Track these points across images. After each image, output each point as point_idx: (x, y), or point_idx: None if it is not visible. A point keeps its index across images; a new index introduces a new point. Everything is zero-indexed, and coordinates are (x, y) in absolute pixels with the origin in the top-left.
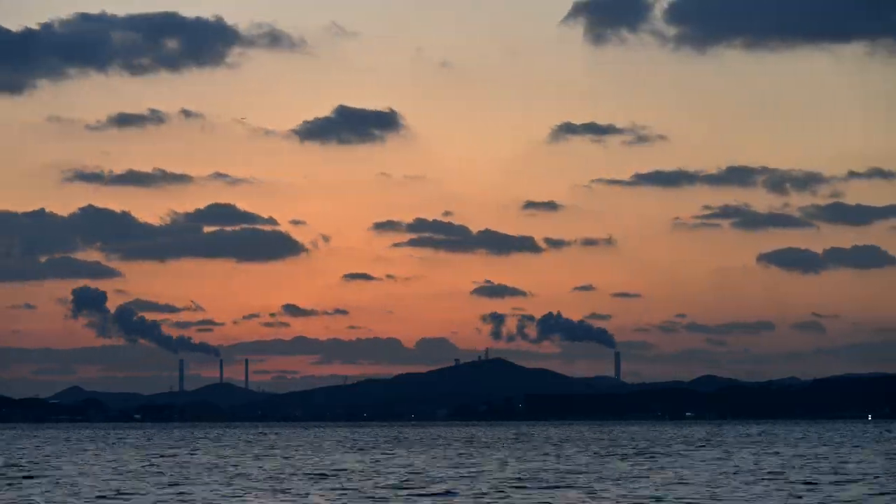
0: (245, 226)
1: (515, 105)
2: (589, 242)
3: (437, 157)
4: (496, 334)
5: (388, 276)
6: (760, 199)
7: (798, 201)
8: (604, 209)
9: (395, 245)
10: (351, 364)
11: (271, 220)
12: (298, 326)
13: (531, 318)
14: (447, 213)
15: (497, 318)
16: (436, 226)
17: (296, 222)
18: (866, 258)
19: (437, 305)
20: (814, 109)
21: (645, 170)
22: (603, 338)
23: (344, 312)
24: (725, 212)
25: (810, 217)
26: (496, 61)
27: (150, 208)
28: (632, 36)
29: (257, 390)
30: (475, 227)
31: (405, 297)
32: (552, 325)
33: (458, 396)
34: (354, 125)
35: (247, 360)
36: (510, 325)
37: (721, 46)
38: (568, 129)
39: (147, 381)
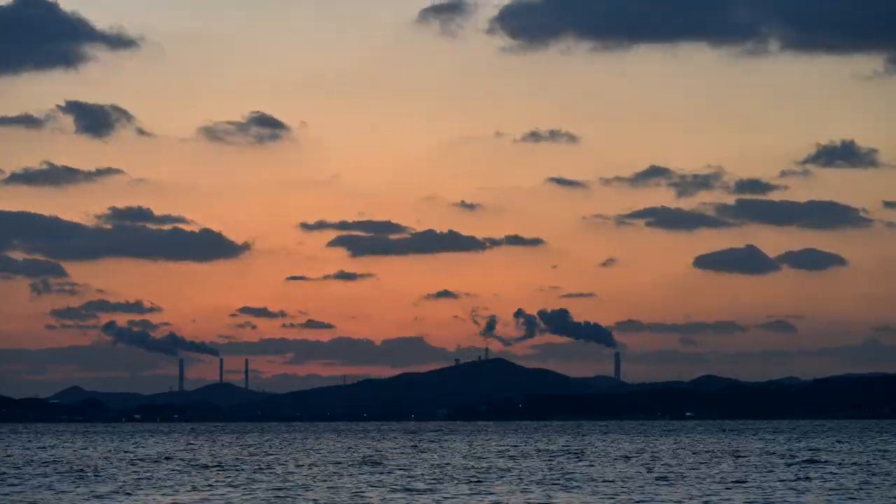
0: (175, 226)
1: (401, 107)
2: (517, 242)
3: (335, 160)
4: (488, 331)
5: (333, 276)
6: (674, 200)
7: (710, 199)
8: (518, 209)
9: (329, 245)
10: (324, 363)
11: (195, 221)
12: (262, 327)
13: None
14: (362, 214)
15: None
16: (365, 225)
17: (225, 223)
18: (810, 259)
19: (395, 305)
20: (693, 109)
21: (550, 170)
22: (603, 337)
23: (304, 313)
24: (646, 212)
25: (735, 217)
26: (367, 65)
27: (61, 208)
28: (484, 36)
29: (257, 390)
30: (403, 226)
31: (357, 297)
32: (551, 322)
33: (458, 396)
34: (245, 129)
35: (246, 361)
36: (500, 325)
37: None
38: (462, 131)
39: (147, 381)
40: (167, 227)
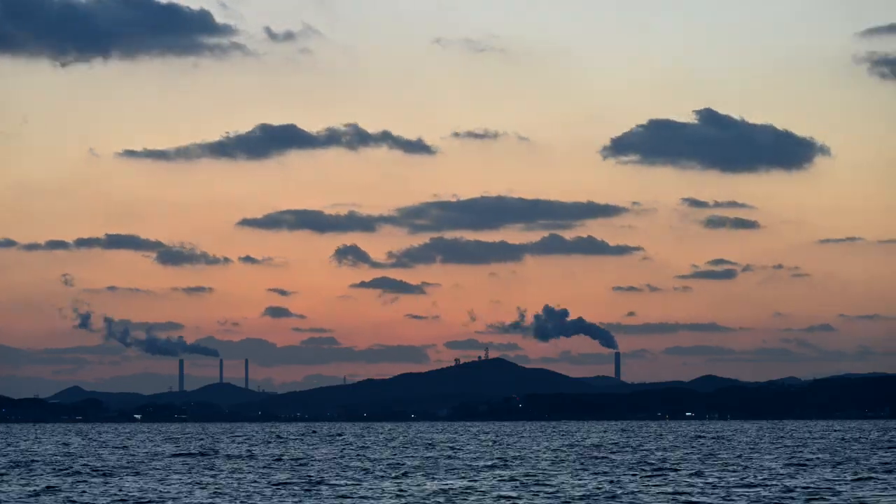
0: None
1: None
2: None
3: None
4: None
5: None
6: None
7: None
8: None
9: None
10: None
11: None
12: None
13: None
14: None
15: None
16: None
17: None
18: None
19: None
20: None
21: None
22: (604, 336)
23: None
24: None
25: None
26: None
27: None
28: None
29: (257, 390)
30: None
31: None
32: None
33: (458, 396)
34: None
35: (247, 360)
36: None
37: None
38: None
39: (147, 381)
40: None
